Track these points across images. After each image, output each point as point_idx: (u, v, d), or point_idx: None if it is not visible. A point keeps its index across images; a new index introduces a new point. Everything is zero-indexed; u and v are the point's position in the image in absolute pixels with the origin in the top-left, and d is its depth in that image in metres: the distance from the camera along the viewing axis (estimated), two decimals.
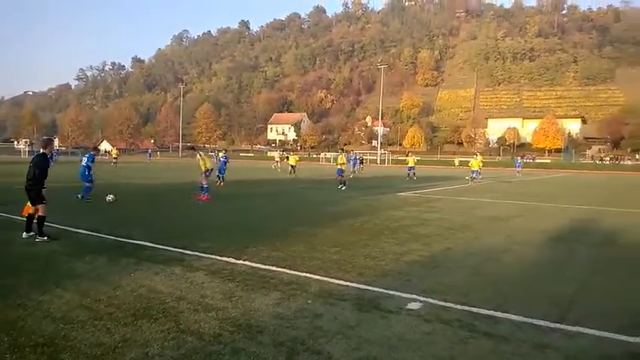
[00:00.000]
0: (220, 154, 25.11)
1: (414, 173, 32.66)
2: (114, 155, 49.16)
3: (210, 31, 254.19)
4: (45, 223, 8.78)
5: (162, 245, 8.45)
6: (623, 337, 4.64)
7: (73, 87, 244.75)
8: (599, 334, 4.73)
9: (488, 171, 49.41)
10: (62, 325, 4.61)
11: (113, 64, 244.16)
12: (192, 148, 20.14)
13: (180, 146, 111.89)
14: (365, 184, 28.59)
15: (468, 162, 36.67)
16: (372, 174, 41.14)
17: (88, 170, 15.55)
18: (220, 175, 23.57)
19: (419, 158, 40.89)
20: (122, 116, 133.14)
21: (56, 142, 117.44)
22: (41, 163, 8.74)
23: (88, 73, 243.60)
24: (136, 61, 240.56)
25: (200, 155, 17.23)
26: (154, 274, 6.53)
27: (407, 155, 38.03)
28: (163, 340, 4.27)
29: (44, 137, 10.13)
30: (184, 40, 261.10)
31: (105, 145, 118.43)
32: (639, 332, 4.76)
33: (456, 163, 58.99)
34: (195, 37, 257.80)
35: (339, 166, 23.89)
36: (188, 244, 8.53)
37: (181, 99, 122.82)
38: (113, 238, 9.12)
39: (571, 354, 4.25)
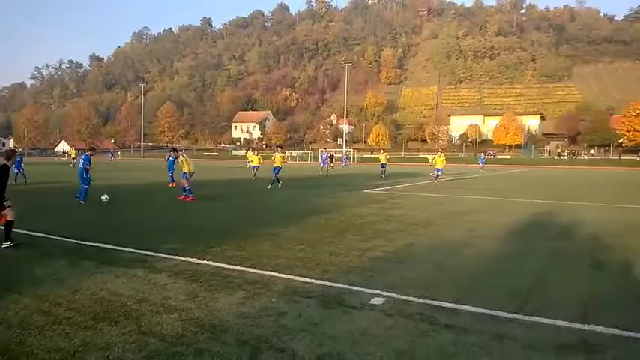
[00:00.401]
0: (170, 154, 24.03)
1: (384, 171, 32.66)
2: (72, 156, 48.00)
3: (171, 29, 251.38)
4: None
5: (125, 247, 8.32)
6: (578, 326, 4.82)
7: (28, 86, 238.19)
8: (555, 323, 4.90)
9: (452, 167, 50.20)
10: (19, 331, 4.50)
11: (70, 62, 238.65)
12: (174, 150, 20.04)
13: (142, 146, 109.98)
14: (331, 181, 28.70)
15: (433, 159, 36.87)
16: (337, 172, 41.31)
17: (86, 173, 15.51)
18: (171, 176, 23.05)
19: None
20: (81, 116, 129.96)
21: (11, 143, 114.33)
22: None
23: (44, 72, 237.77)
24: (95, 59, 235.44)
25: (183, 157, 17.29)
26: (115, 277, 6.42)
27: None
28: (125, 343, 4.22)
29: (8, 148, 9.84)
30: (144, 37, 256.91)
31: (63, 146, 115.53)
32: (592, 320, 4.95)
33: (430, 160, 59.29)
34: (156, 34, 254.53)
35: (276, 164, 22.87)
36: (151, 245, 8.40)
37: (142, 98, 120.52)
38: (74, 241, 8.92)
39: (528, 343, 4.38)
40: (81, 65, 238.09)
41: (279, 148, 26.46)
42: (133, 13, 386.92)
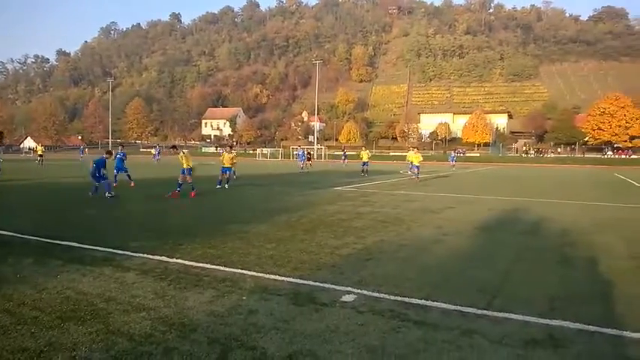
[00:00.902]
0: (119, 150, 22.50)
1: (366, 169, 32.27)
2: (39, 153, 46.78)
3: (139, 24, 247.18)
4: None
5: (93, 246, 8.13)
6: (545, 321, 4.90)
7: None
8: (524, 318, 4.97)
9: (423, 165, 50.57)
10: None
11: (36, 56, 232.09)
12: (174, 147, 19.57)
13: (110, 143, 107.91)
14: (303, 179, 28.66)
15: (405, 156, 36.68)
16: (310, 169, 41.20)
17: (99, 172, 15.74)
18: (127, 175, 21.57)
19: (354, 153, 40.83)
20: (47, 112, 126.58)
21: None
22: None
23: (9, 66, 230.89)
24: (61, 54, 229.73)
25: (183, 153, 17.41)
26: (82, 276, 6.27)
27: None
28: (91, 343, 4.13)
29: None
30: (112, 32, 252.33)
31: (29, 142, 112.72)
32: (560, 315, 5.05)
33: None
34: (124, 29, 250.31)
35: (225, 165, 21.32)
36: (119, 244, 8.25)
37: (110, 93, 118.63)
38: (41, 239, 8.70)
39: (497, 339, 4.43)
40: (47, 60, 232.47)
41: (228, 147, 24.98)
42: (100, 8, 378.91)
